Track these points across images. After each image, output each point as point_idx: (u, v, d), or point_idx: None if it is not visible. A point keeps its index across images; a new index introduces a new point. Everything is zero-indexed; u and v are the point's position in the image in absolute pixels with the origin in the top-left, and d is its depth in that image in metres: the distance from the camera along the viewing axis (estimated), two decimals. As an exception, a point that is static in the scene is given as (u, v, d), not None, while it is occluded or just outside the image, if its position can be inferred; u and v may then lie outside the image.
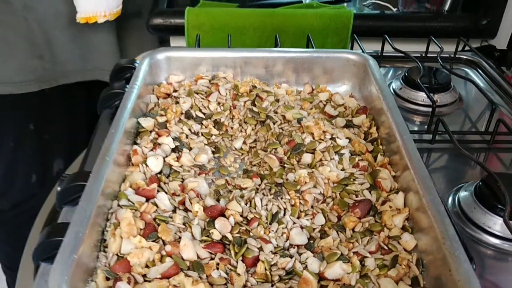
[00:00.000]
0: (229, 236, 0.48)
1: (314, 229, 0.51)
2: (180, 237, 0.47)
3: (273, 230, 0.50)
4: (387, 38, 0.90)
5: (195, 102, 0.68)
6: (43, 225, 0.81)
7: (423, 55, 0.94)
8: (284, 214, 0.52)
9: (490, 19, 1.01)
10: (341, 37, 1.01)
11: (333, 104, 0.70)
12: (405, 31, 1.02)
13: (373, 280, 0.45)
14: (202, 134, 0.65)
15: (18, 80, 0.96)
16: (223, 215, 0.50)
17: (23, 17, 0.91)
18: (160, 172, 0.57)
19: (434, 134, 0.70)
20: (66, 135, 1.11)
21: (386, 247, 0.48)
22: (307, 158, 0.59)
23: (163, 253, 0.46)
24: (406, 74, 0.84)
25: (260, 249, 0.47)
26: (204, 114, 0.67)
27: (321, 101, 0.71)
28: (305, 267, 0.46)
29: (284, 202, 0.53)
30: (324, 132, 0.62)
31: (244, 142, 0.65)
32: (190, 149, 0.61)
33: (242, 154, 0.64)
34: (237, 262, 0.46)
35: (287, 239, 0.49)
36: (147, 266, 0.44)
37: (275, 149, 0.62)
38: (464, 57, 0.97)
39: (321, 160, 0.59)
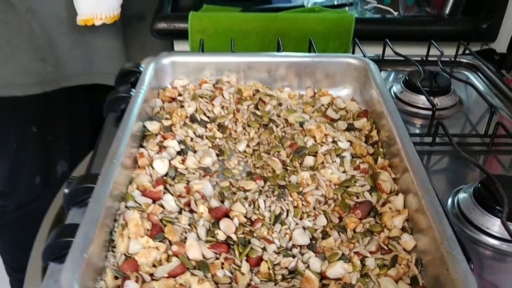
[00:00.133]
0: (234, 237, 0.49)
1: (316, 229, 0.52)
2: (186, 238, 0.48)
3: (276, 231, 0.51)
4: (388, 42, 0.91)
5: (200, 106, 0.69)
6: (50, 227, 0.82)
7: (424, 58, 0.95)
8: (287, 215, 0.53)
9: (490, 23, 1.02)
10: (342, 41, 1.02)
11: (335, 107, 0.72)
12: (406, 35, 1.03)
13: (373, 279, 0.46)
14: (206, 137, 0.66)
15: (21, 83, 0.96)
16: (228, 216, 0.52)
17: (26, 20, 0.92)
18: (166, 175, 0.58)
19: (434, 137, 0.71)
20: (69, 137, 1.11)
21: (386, 247, 0.49)
22: (309, 160, 0.60)
23: (170, 253, 0.47)
24: (406, 77, 0.84)
25: (264, 249, 0.48)
26: (208, 117, 0.68)
27: (323, 105, 0.72)
28: (307, 267, 0.47)
29: (287, 204, 0.54)
30: (326, 135, 0.63)
31: (248, 145, 0.66)
32: (195, 152, 0.62)
33: (246, 156, 0.65)
34: (241, 261, 0.47)
35: (289, 240, 0.51)
36: (154, 266, 0.46)
37: (278, 152, 0.63)
38: (464, 60, 0.97)
39: (323, 162, 0.60)
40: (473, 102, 0.86)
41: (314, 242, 0.51)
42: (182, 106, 0.69)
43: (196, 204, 0.53)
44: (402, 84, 0.85)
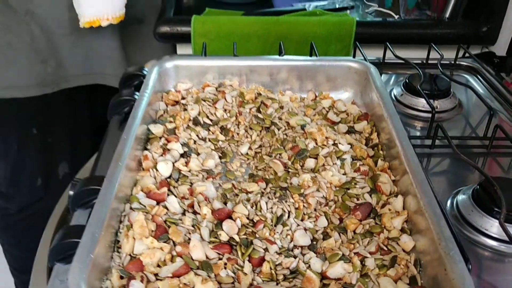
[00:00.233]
0: (236, 238, 0.50)
1: (317, 231, 0.53)
2: (189, 238, 0.49)
3: (278, 232, 0.52)
4: (389, 45, 0.92)
5: (203, 109, 0.70)
6: (54, 228, 0.82)
7: (424, 62, 0.96)
8: (289, 217, 0.54)
9: (490, 26, 1.03)
10: (344, 44, 1.03)
11: (336, 110, 0.73)
12: (407, 38, 1.04)
13: (373, 279, 0.47)
14: (209, 140, 0.67)
15: (21, 84, 0.97)
16: (230, 217, 0.52)
17: (26, 22, 0.92)
18: (169, 177, 0.59)
19: (433, 140, 0.72)
20: (70, 139, 1.11)
21: (385, 248, 0.50)
22: (310, 163, 0.61)
23: (174, 253, 0.48)
24: (407, 80, 0.85)
25: (266, 249, 0.49)
26: (211, 120, 0.69)
27: (324, 108, 0.73)
28: (308, 267, 0.48)
29: (288, 205, 0.55)
30: (326, 138, 0.64)
31: (250, 148, 0.67)
32: (198, 154, 0.63)
33: (248, 159, 0.66)
34: (243, 262, 0.48)
35: (291, 240, 0.51)
36: (158, 266, 0.46)
37: (280, 154, 0.64)
38: (464, 63, 0.98)
39: (323, 165, 0.61)
40: (473, 105, 0.87)
41: (315, 242, 0.52)
42: (185, 109, 0.70)
43: (199, 206, 0.54)
44: (402, 87, 0.85)
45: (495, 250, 0.56)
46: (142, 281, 0.44)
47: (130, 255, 0.48)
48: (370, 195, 0.56)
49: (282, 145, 0.65)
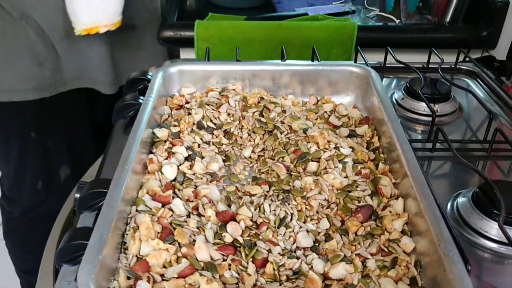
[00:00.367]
0: (240, 239, 0.51)
1: (319, 232, 0.54)
2: (194, 240, 0.50)
3: (281, 234, 0.53)
4: (390, 50, 0.92)
5: (206, 113, 0.71)
6: (60, 231, 0.83)
7: (425, 66, 0.96)
8: (291, 219, 0.55)
9: (490, 31, 1.04)
10: (345, 49, 1.04)
11: (337, 114, 0.73)
12: (407, 43, 1.05)
13: (374, 280, 0.48)
14: (213, 144, 0.68)
15: (18, 88, 0.97)
16: (234, 219, 0.53)
17: (21, 25, 0.92)
18: (174, 179, 0.60)
19: (434, 143, 0.72)
20: (70, 142, 1.11)
21: (386, 249, 0.51)
22: (312, 166, 0.62)
23: (179, 254, 0.49)
24: (408, 84, 0.86)
25: (269, 251, 0.50)
26: (215, 124, 0.70)
27: (325, 112, 0.74)
28: (311, 268, 0.49)
29: (291, 208, 0.56)
30: (328, 141, 0.65)
31: (253, 151, 0.68)
32: (202, 157, 0.64)
33: (251, 162, 0.67)
34: (247, 263, 0.49)
35: (294, 242, 0.52)
36: (164, 267, 0.47)
37: (282, 157, 0.65)
38: (465, 67, 0.98)
39: (325, 168, 0.62)
40: (473, 108, 0.87)
41: (317, 244, 0.53)
42: (189, 113, 0.71)
43: (204, 208, 0.55)
44: (403, 91, 0.86)
45: (495, 252, 0.57)
46: (148, 281, 0.45)
47: (136, 256, 0.49)
48: (371, 198, 0.57)
49: (285, 148, 0.66)
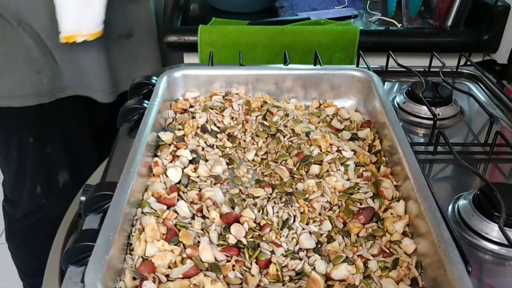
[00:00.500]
0: (244, 241, 0.52)
1: (321, 234, 0.55)
2: (199, 241, 0.51)
3: (284, 235, 0.53)
4: (391, 54, 0.93)
5: (210, 117, 0.72)
6: (65, 233, 0.84)
7: (426, 70, 0.97)
8: (294, 221, 0.56)
9: (491, 35, 1.04)
10: (347, 53, 1.05)
11: (339, 118, 0.74)
12: (409, 47, 1.06)
13: (375, 280, 0.48)
14: (217, 147, 0.69)
15: (17, 94, 0.97)
16: (238, 221, 0.54)
17: (19, 33, 0.92)
18: (179, 182, 0.60)
19: (435, 146, 0.73)
20: (69, 148, 1.10)
21: (387, 250, 0.52)
22: (315, 169, 0.63)
23: (184, 255, 0.50)
24: (409, 88, 0.86)
25: (272, 252, 0.51)
26: (218, 128, 0.71)
27: (328, 116, 0.74)
28: (313, 269, 0.50)
29: (294, 210, 0.57)
30: (330, 144, 0.65)
31: (256, 154, 0.69)
32: (206, 160, 0.65)
33: (254, 165, 0.68)
34: (251, 264, 0.50)
35: (296, 243, 0.53)
36: (169, 267, 0.48)
37: (285, 160, 0.65)
38: (466, 71, 0.99)
39: (328, 171, 0.62)
40: (474, 112, 0.88)
41: (319, 245, 0.53)
42: (193, 117, 0.71)
43: (208, 210, 0.55)
44: (405, 95, 0.87)
45: (495, 254, 0.57)
46: (154, 281, 0.46)
47: (142, 257, 0.49)
48: (373, 200, 0.58)
49: (288, 151, 0.67)
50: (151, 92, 0.72)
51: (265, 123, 0.72)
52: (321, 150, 0.65)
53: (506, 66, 1.03)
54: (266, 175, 0.65)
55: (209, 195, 0.58)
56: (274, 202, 0.58)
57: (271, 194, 0.60)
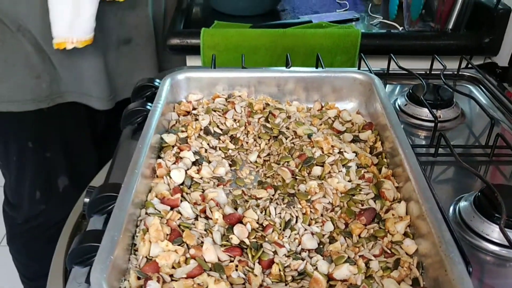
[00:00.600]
0: (247, 241, 0.52)
1: (323, 235, 0.55)
2: (202, 242, 0.51)
3: (286, 236, 0.54)
4: (393, 57, 0.93)
5: (213, 119, 0.72)
6: (69, 235, 0.85)
7: (427, 72, 0.97)
8: (296, 222, 0.56)
9: (492, 37, 1.05)
10: (349, 56, 1.05)
11: (341, 120, 0.75)
12: (410, 50, 1.06)
13: (377, 280, 0.49)
14: (219, 149, 0.69)
15: (17, 99, 0.97)
16: (241, 222, 0.55)
17: (18, 38, 0.93)
18: (182, 183, 0.61)
19: (436, 148, 0.73)
20: (69, 153, 1.10)
21: (389, 251, 0.52)
22: (317, 170, 0.63)
23: (188, 255, 0.50)
24: (410, 91, 0.86)
25: (275, 252, 0.51)
26: (221, 130, 0.71)
27: (329, 118, 0.75)
28: (316, 269, 0.50)
29: (296, 211, 0.57)
30: (332, 146, 0.66)
31: (259, 156, 0.69)
32: (209, 162, 0.66)
33: (257, 167, 0.68)
34: (254, 264, 0.50)
35: (299, 244, 0.54)
36: (173, 267, 0.49)
37: (287, 162, 0.66)
38: (467, 74, 0.99)
39: (330, 172, 0.63)
40: (475, 114, 0.88)
41: (321, 246, 0.54)
42: (196, 119, 0.72)
43: (211, 211, 0.56)
44: (406, 97, 0.87)
45: (496, 255, 0.58)
46: (158, 281, 0.46)
47: (146, 257, 0.50)
48: (374, 201, 0.58)
49: (290, 153, 0.67)
50: (154, 95, 0.73)
51: (268, 125, 0.72)
52: (323, 152, 0.65)
53: (507, 68, 1.03)
54: (268, 177, 0.66)
55: (212, 196, 0.59)
56: (277, 203, 0.59)
57: (273, 195, 0.61)
